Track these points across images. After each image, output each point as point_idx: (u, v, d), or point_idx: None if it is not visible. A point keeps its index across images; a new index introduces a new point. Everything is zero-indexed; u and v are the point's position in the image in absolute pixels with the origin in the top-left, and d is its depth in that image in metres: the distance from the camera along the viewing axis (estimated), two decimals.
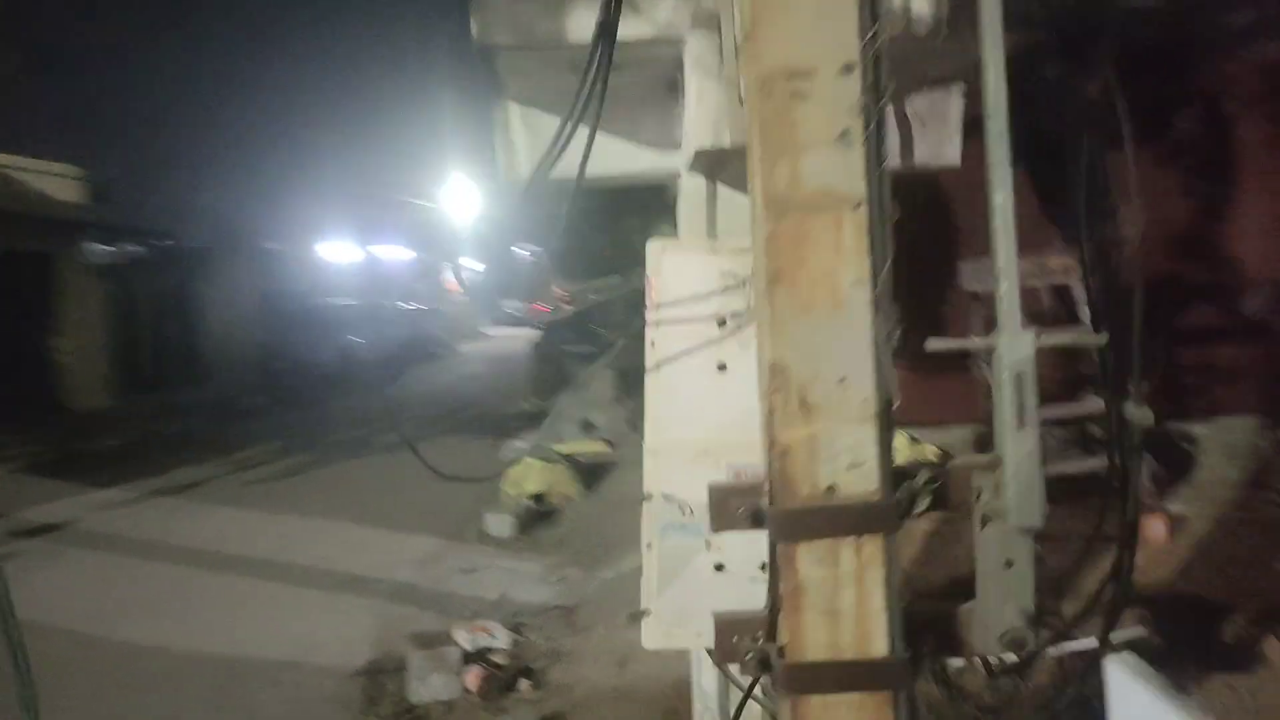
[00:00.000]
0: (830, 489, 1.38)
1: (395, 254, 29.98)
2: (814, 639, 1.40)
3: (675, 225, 2.87)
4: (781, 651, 1.43)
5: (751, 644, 1.50)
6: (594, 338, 24.02)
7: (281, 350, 18.22)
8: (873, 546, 1.39)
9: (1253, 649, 2.76)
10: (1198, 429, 4.75)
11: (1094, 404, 4.29)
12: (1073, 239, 4.39)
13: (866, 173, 1.34)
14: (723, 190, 2.63)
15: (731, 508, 1.55)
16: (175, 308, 17.45)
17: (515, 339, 29.59)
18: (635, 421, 9.81)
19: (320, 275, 25.47)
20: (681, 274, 2.40)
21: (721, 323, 2.45)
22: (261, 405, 14.28)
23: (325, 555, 6.15)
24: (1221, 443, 4.71)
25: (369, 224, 28.38)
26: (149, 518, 7.38)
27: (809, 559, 1.40)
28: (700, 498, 2.50)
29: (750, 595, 2.48)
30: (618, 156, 2.68)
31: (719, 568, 2.50)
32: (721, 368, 2.47)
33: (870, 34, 1.34)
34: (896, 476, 1.40)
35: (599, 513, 6.66)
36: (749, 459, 2.46)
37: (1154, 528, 3.88)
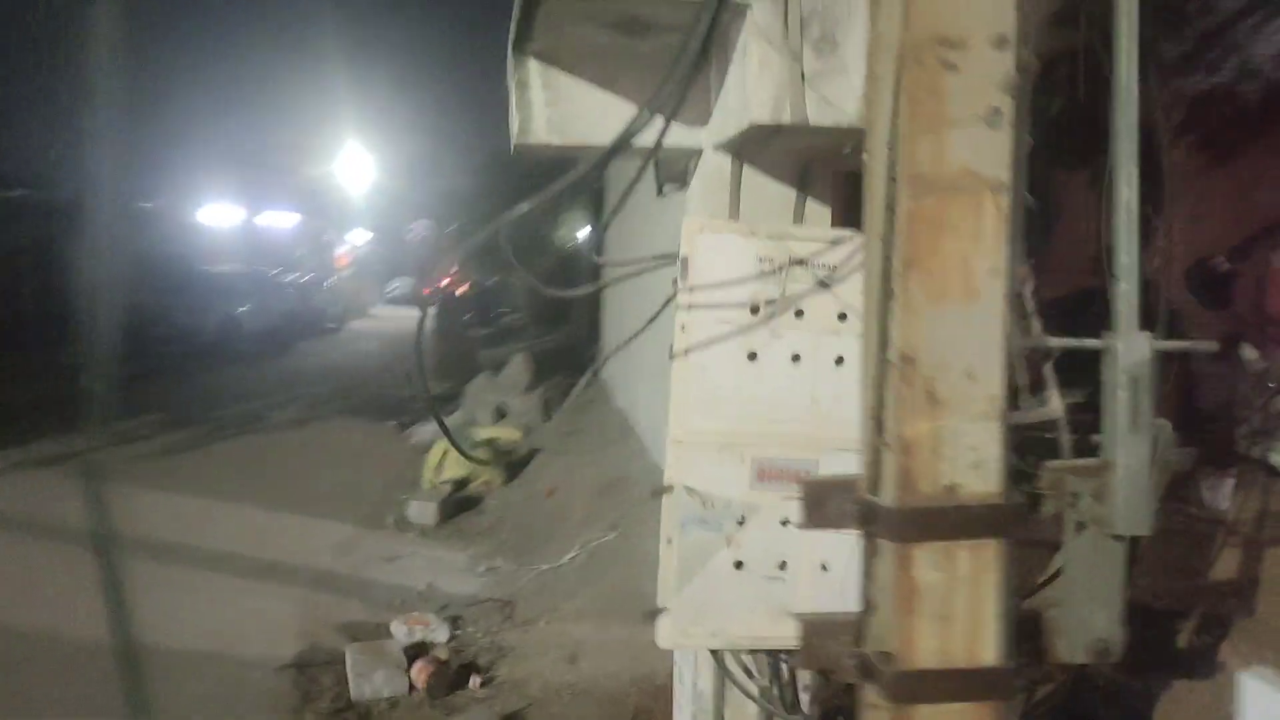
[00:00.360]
0: (950, 488, 1.31)
1: (281, 220, 28.61)
2: (926, 645, 1.33)
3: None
4: (886, 657, 1.35)
5: (849, 648, 1.42)
6: (494, 320, 23.57)
7: (159, 316, 17.10)
8: (990, 550, 1.33)
9: (1209, 655, 2.87)
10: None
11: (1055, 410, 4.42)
12: (1026, 249, 4.53)
13: (1012, 156, 1.27)
14: (748, 172, 2.53)
15: (830, 505, 1.46)
16: (31, 263, 16.12)
17: (407, 320, 28.81)
18: (551, 409, 9.65)
19: (201, 239, 24.08)
20: (718, 256, 2.30)
21: (754, 310, 2.36)
22: (137, 373, 13.34)
23: (232, 539, 5.76)
24: None
25: (254, 188, 27.00)
26: (10, 493, 6.74)
27: (925, 561, 1.32)
28: (722, 491, 2.41)
29: (767, 594, 2.40)
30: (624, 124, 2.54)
31: (738, 565, 2.42)
32: (752, 357, 2.38)
33: (1022, 5, 1.27)
34: (1015, 478, 1.35)
35: (523, 501, 6.48)
36: (773, 452, 2.38)
37: None
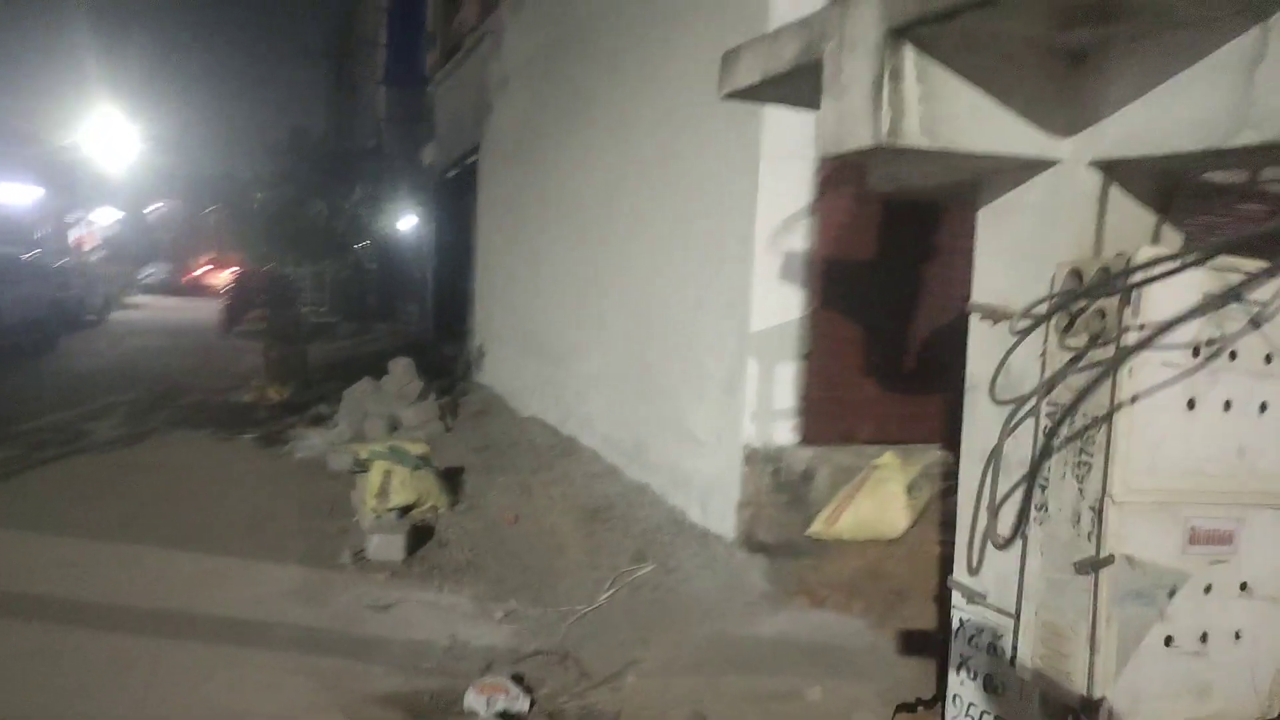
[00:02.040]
0: None
1: (17, 195, 24.53)
2: None
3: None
4: None
5: None
6: (294, 317, 21.47)
7: None
8: None
9: None
10: None
11: None
12: None
13: None
14: (1115, 194, 2.28)
15: None
16: None
17: (175, 311, 25.61)
18: (448, 417, 8.86)
19: None
20: (1167, 289, 2.03)
21: (1195, 351, 2.12)
22: None
23: (154, 591, 4.65)
24: None
25: None
26: None
27: None
28: (1156, 559, 2.14)
29: (1189, 671, 2.16)
30: (988, 125, 2.21)
31: (1168, 641, 2.18)
32: (1190, 405, 2.14)
33: None
34: None
35: (485, 530, 5.80)
36: (1202, 511, 2.15)
37: None
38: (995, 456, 2.32)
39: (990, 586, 2.43)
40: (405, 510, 5.97)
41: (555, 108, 8.09)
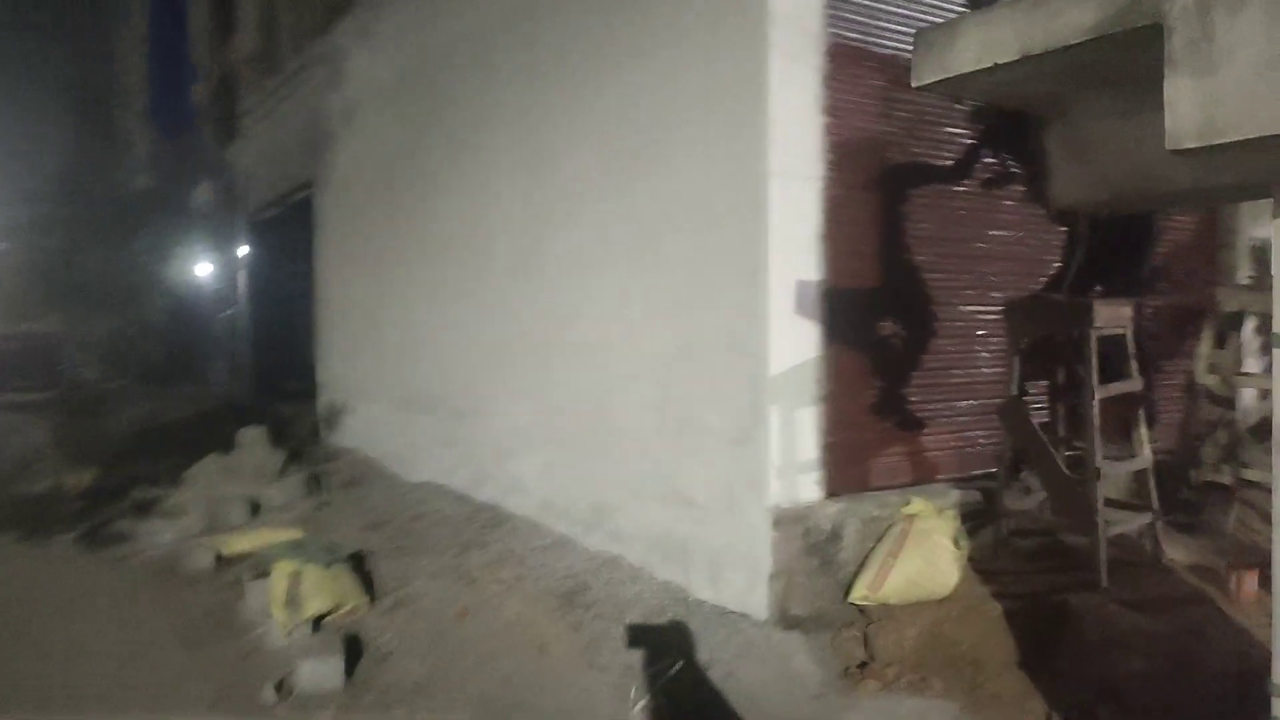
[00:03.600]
0: None
1: None
2: None
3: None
4: None
5: None
6: (49, 378, 18.55)
7: None
8: None
9: None
10: None
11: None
12: (1132, 293, 4.38)
13: None
14: None
15: None
16: None
17: None
18: (318, 491, 7.61)
19: None
20: None
21: None
22: None
23: None
24: None
25: None
26: None
27: None
28: None
29: None
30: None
31: None
32: None
33: None
34: None
35: (429, 630, 4.77)
36: None
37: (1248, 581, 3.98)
38: None
39: None
40: (319, 619, 4.83)
41: (441, 132, 7.16)
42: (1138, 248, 4.64)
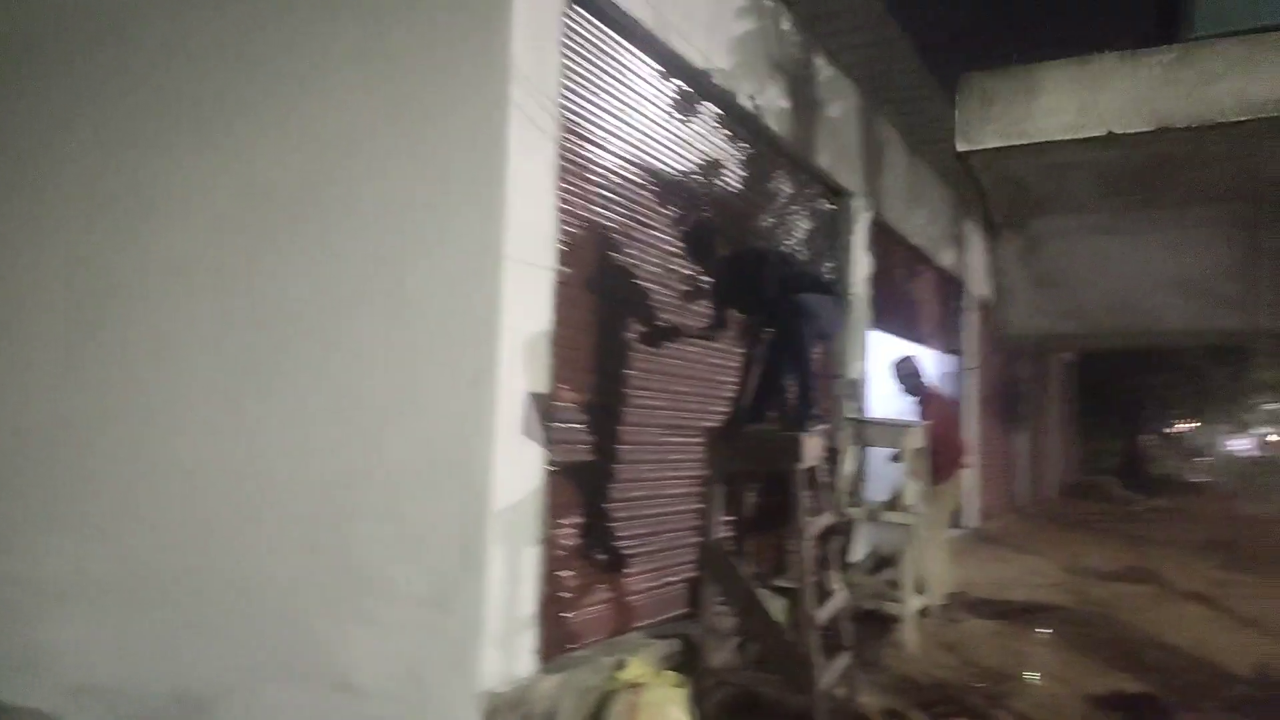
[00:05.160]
0: None
1: None
2: None
3: None
4: None
5: None
6: None
7: None
8: None
9: None
10: None
11: None
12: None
13: None
14: None
15: None
16: None
17: None
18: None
19: None
20: None
21: None
22: None
23: None
24: None
25: None
26: None
27: None
28: None
29: None
30: None
31: None
32: None
33: None
34: None
35: None
36: None
37: None
38: None
39: None
40: None
41: None
42: (804, 371, 4.58)
